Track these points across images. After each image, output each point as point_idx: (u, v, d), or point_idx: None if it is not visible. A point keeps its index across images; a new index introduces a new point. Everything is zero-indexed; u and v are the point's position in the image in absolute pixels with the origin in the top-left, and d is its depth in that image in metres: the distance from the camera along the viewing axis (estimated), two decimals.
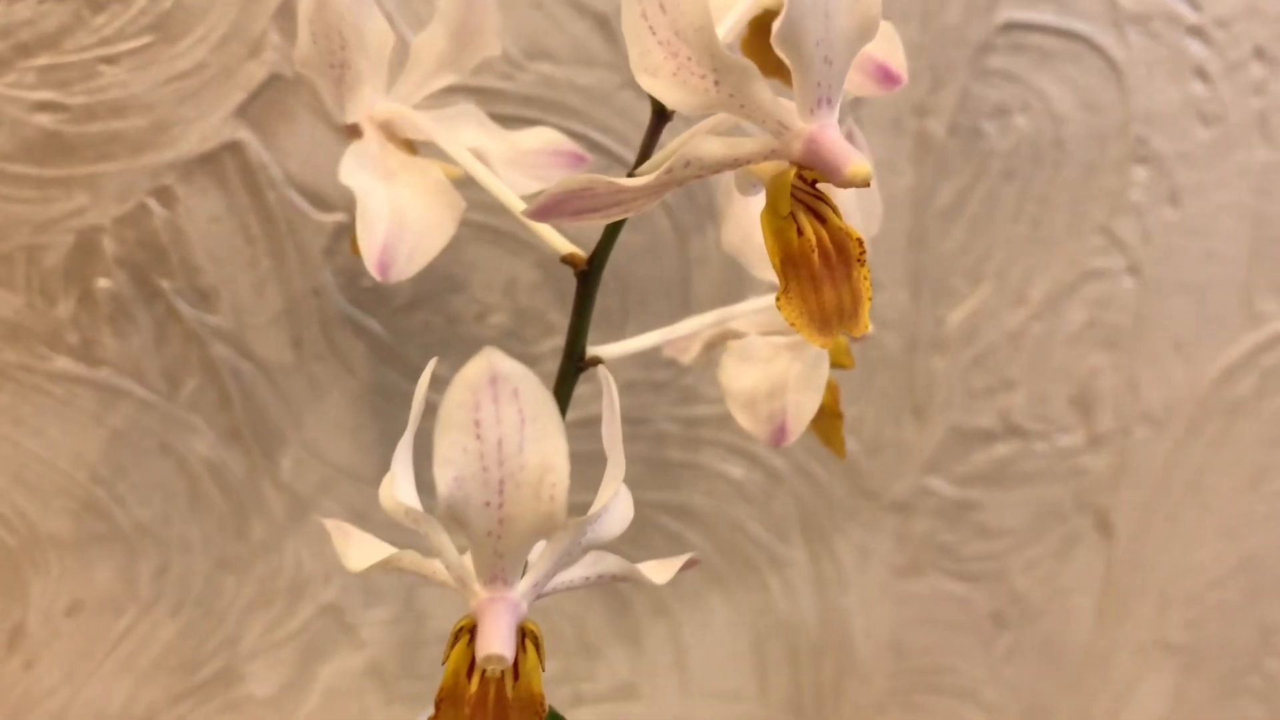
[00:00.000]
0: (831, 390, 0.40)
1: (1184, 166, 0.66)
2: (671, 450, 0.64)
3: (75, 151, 0.48)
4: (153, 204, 0.50)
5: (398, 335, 0.56)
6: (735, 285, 0.60)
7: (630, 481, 0.61)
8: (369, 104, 0.38)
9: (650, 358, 0.61)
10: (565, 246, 0.36)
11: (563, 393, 0.37)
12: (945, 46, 0.58)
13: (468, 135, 0.40)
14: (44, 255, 0.49)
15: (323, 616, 0.61)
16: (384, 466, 0.58)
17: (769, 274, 0.44)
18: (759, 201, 0.38)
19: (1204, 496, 0.78)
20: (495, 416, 0.25)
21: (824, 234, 0.29)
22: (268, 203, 0.51)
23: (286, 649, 0.61)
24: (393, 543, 0.33)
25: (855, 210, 0.38)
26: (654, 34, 0.27)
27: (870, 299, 0.29)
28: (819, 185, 0.30)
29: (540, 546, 0.29)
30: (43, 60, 0.46)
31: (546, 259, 0.57)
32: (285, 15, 0.48)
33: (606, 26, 0.53)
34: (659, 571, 0.32)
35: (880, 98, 0.58)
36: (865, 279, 0.29)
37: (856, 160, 0.27)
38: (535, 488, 0.26)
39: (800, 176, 0.29)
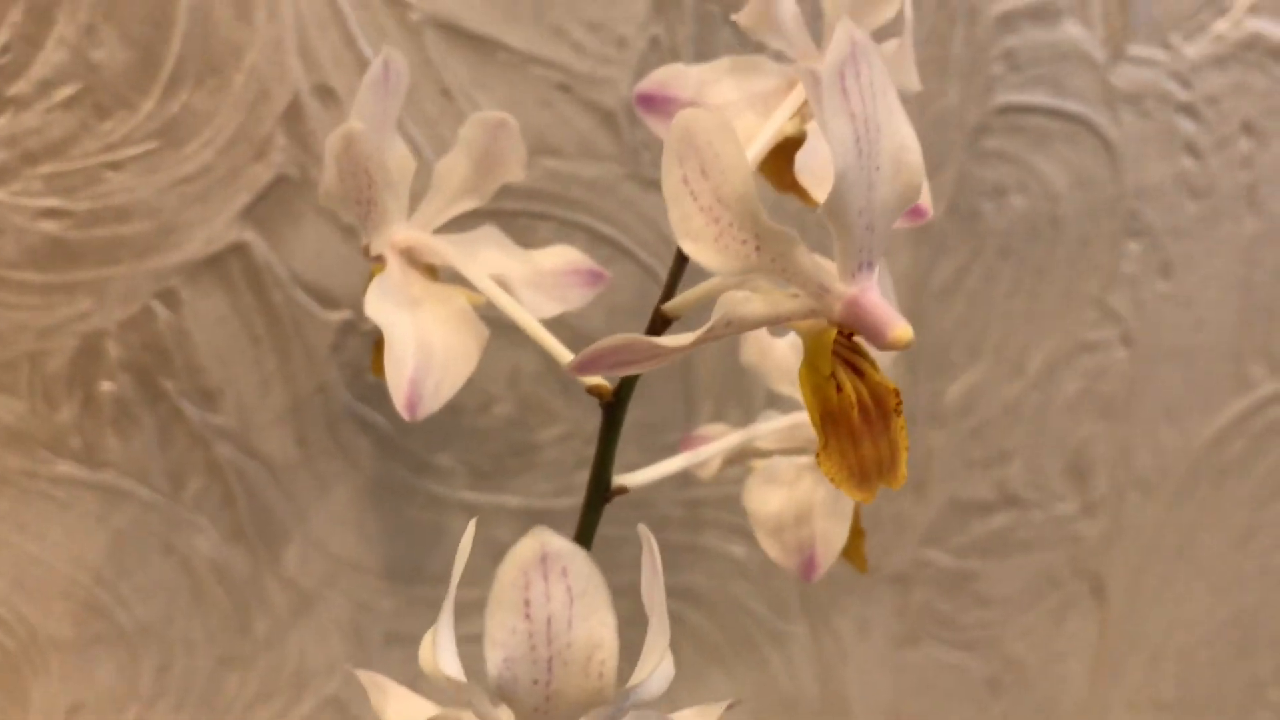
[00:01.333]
0: (854, 508, 0.41)
1: (1175, 239, 0.68)
2: (674, 533, 0.65)
3: (80, 257, 0.48)
4: (157, 307, 0.50)
5: (402, 429, 0.56)
6: (733, 374, 0.61)
7: (629, 563, 0.61)
8: (389, 233, 0.38)
9: (651, 444, 0.62)
10: (591, 379, 0.36)
11: (589, 522, 0.37)
12: (944, 130, 0.60)
13: (489, 258, 0.40)
14: (47, 361, 0.49)
15: (326, 709, 0.61)
16: (388, 558, 0.58)
17: (787, 389, 0.45)
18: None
19: (1195, 556, 0.80)
20: (545, 595, 0.25)
21: (863, 389, 0.30)
22: (273, 302, 0.52)
23: None
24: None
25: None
26: (695, 199, 0.28)
27: (907, 448, 0.30)
28: (855, 338, 0.30)
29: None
30: (48, 167, 0.46)
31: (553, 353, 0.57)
32: (291, 117, 0.49)
33: (611, 121, 0.54)
34: None
35: None
36: (902, 429, 0.30)
37: (900, 325, 0.28)
38: (584, 665, 0.26)
39: (840, 333, 0.29)
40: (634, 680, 0.29)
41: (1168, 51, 0.63)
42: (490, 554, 0.59)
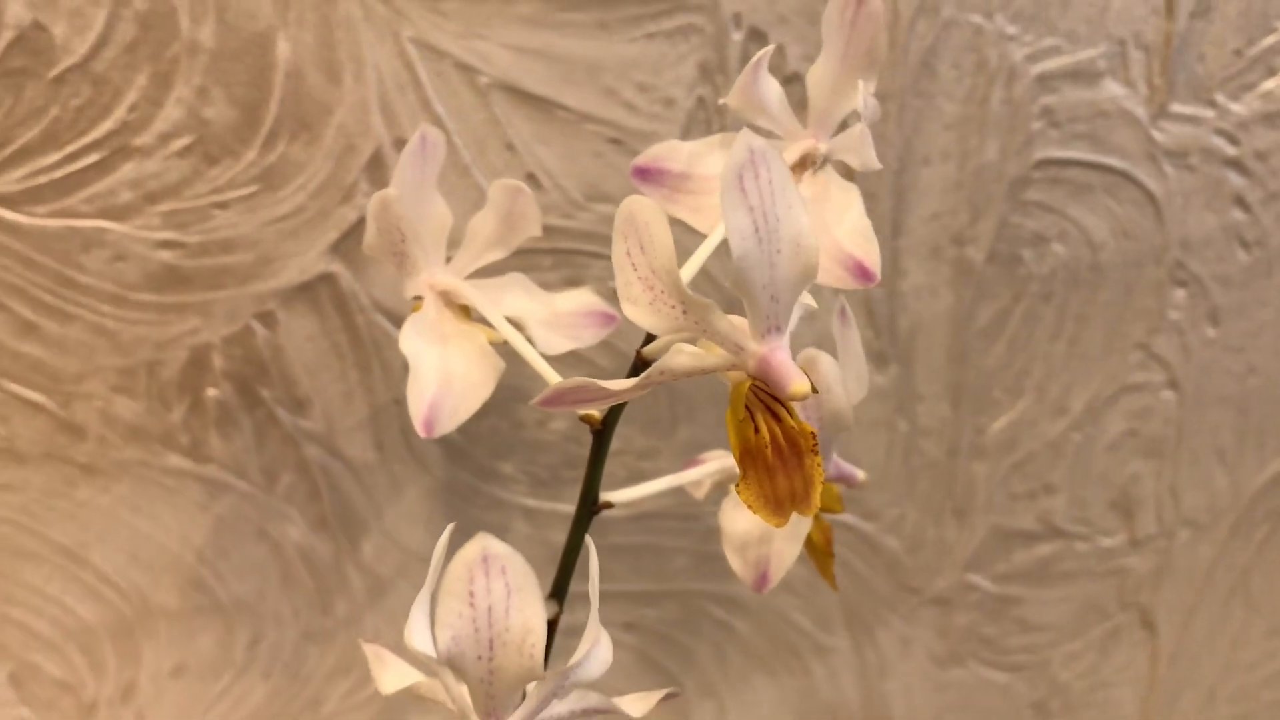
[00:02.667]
0: (824, 531, 0.46)
1: (1223, 288, 0.70)
2: (718, 544, 0.70)
3: (190, 282, 0.56)
4: (257, 326, 0.58)
5: (469, 438, 0.63)
6: None
7: (679, 572, 0.68)
8: (428, 278, 0.45)
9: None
10: (584, 411, 0.42)
11: (578, 532, 0.43)
12: (983, 182, 0.63)
13: (512, 301, 0.47)
14: (162, 369, 0.58)
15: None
16: (453, 550, 0.65)
17: None
18: None
19: (1250, 598, 0.81)
20: (486, 588, 0.32)
21: (778, 431, 0.34)
22: (356, 325, 0.59)
23: (363, 714, 0.69)
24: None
25: (850, 375, 0.44)
26: (635, 270, 0.33)
27: (821, 483, 0.35)
28: None
29: (530, 686, 0.35)
30: (166, 206, 0.55)
31: (602, 375, 0.63)
32: (374, 167, 0.56)
33: None
34: (637, 705, 0.38)
35: (920, 229, 0.64)
36: (817, 466, 0.35)
37: (796, 382, 0.32)
38: (519, 646, 0.32)
39: (757, 383, 0.34)
40: (571, 661, 0.35)
41: (1214, 109, 0.65)
42: (546, 555, 0.66)
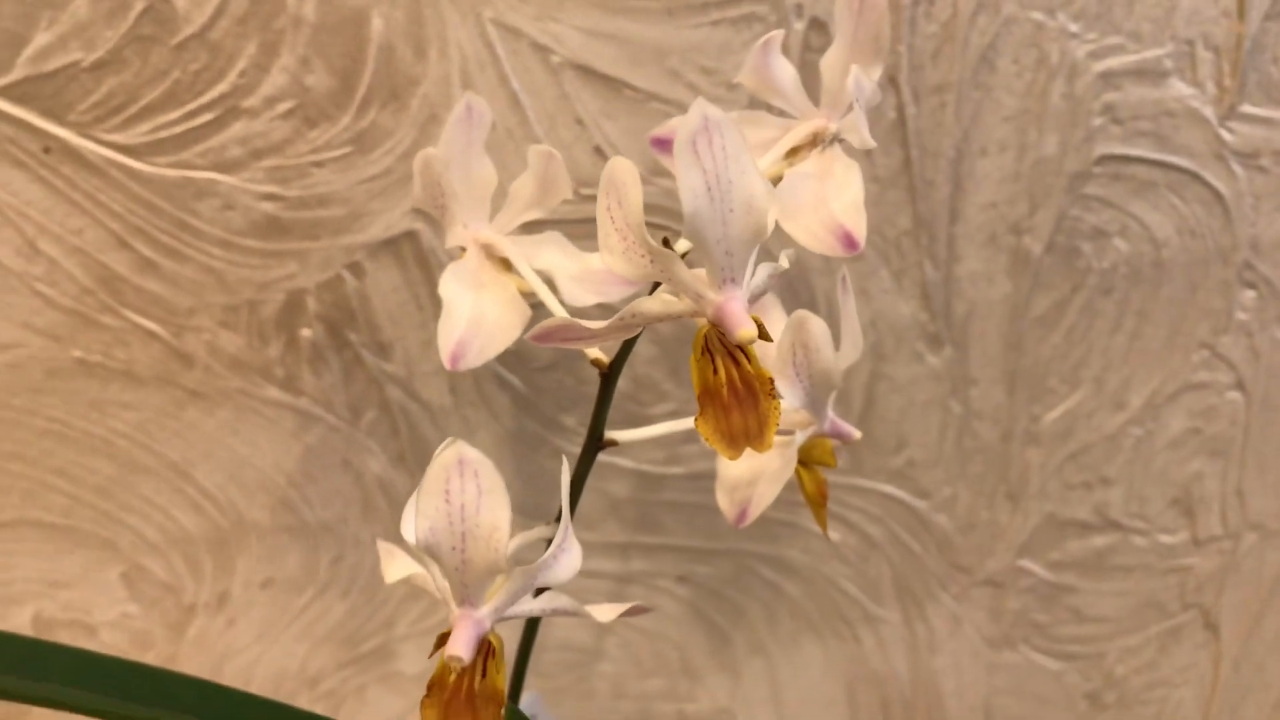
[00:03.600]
0: (818, 483, 0.50)
1: None
2: (771, 508, 0.74)
3: (289, 231, 0.63)
4: (346, 275, 0.64)
5: (535, 390, 0.68)
6: None
7: (730, 532, 0.72)
8: (473, 231, 0.50)
9: None
10: (594, 353, 0.47)
11: (584, 465, 0.48)
12: (1042, 174, 0.66)
13: (546, 256, 0.52)
14: (262, 308, 0.65)
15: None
16: (520, 497, 0.71)
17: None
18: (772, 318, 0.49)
19: None
20: (460, 488, 0.36)
21: (735, 374, 0.38)
22: (435, 279, 0.65)
23: (432, 636, 0.75)
24: None
25: (845, 339, 0.48)
26: (613, 222, 0.38)
27: (777, 424, 0.39)
28: None
29: (501, 580, 0.40)
30: (269, 162, 0.62)
31: (662, 336, 0.68)
32: None
33: None
34: (605, 613, 0.43)
35: (977, 217, 0.66)
36: (775, 409, 0.38)
37: (744, 328, 0.37)
38: (487, 540, 0.37)
39: (716, 329, 0.39)
40: (539, 561, 0.39)
41: None
42: (606, 505, 0.72)
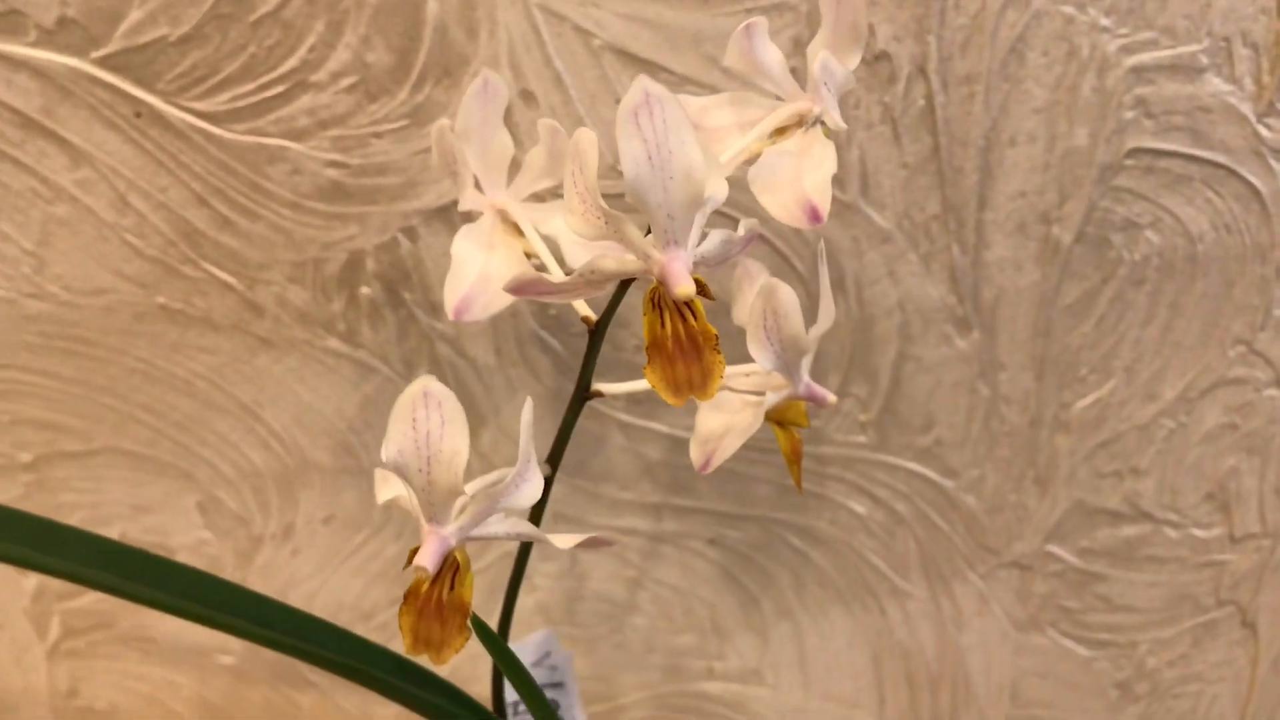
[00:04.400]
0: (793, 442, 0.54)
1: None
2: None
3: (351, 196, 0.69)
4: (402, 238, 0.70)
5: (573, 354, 0.73)
6: (860, 348, 0.73)
7: (760, 500, 0.76)
8: (490, 197, 0.55)
9: None
10: (584, 310, 0.52)
11: (573, 412, 0.52)
12: (1072, 165, 0.67)
13: (554, 222, 0.56)
14: (326, 266, 0.71)
15: (505, 560, 0.81)
16: (558, 454, 0.75)
17: None
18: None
19: None
20: (425, 417, 0.41)
21: (681, 328, 0.42)
22: None
23: (478, 580, 0.81)
24: None
25: (820, 307, 0.52)
26: (575, 186, 0.43)
27: (721, 377, 0.42)
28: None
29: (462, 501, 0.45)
30: (334, 132, 0.68)
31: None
32: (507, 115, 0.67)
33: None
34: (564, 540, 0.47)
35: (1006, 205, 0.68)
36: (718, 363, 0.42)
37: (682, 285, 0.41)
38: (449, 465, 0.41)
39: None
40: (499, 484, 0.44)
41: None
42: (642, 467, 0.76)
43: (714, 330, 0.43)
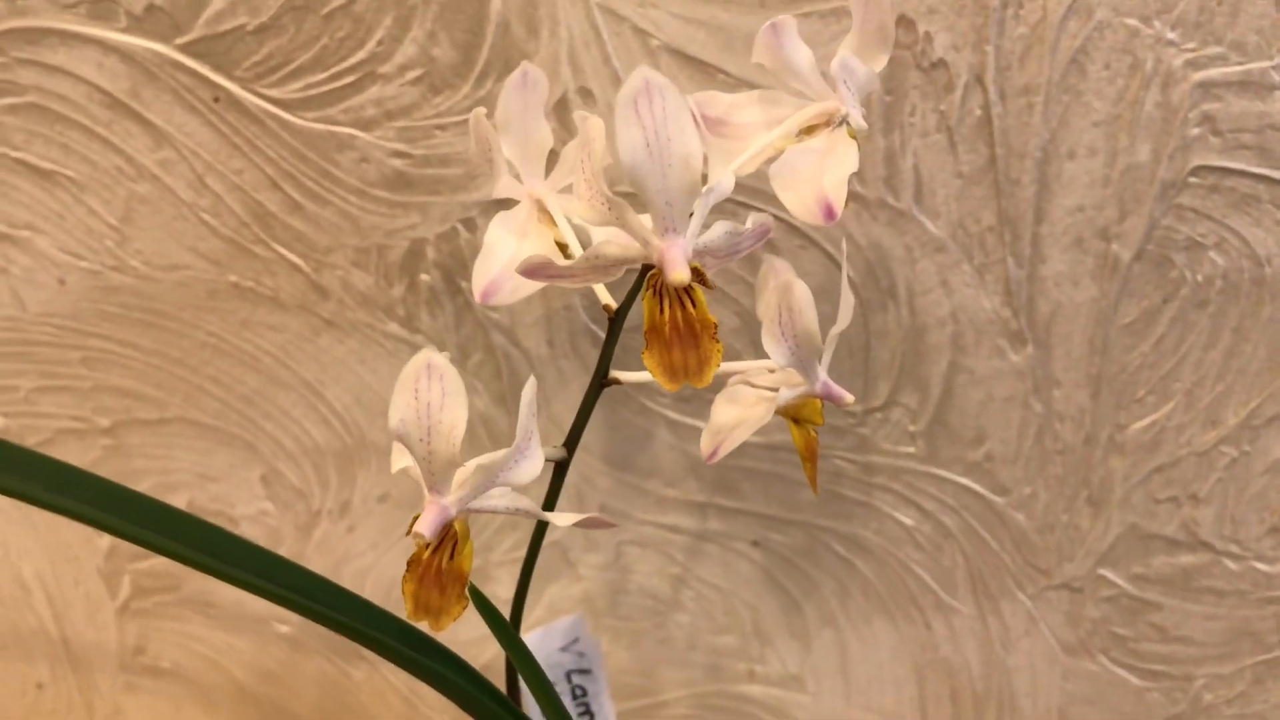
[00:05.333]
0: (807, 440, 0.54)
1: None
2: (846, 487, 0.78)
3: (414, 186, 0.72)
4: (460, 229, 0.73)
5: (624, 349, 0.75)
6: (911, 357, 0.73)
7: (805, 505, 0.77)
8: (528, 187, 0.57)
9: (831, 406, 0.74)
10: (606, 298, 0.53)
11: (590, 400, 0.52)
12: (1133, 182, 0.67)
13: None
14: (388, 252, 0.74)
15: (551, 550, 0.83)
16: (606, 447, 0.78)
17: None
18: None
19: None
20: (428, 388, 0.42)
21: (679, 315, 0.43)
22: None
23: (516, 567, 0.83)
24: None
25: (841, 305, 0.53)
26: (583, 173, 0.44)
27: (718, 365, 0.43)
28: (693, 282, 0.44)
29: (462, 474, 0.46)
30: (400, 123, 0.70)
31: (745, 310, 0.73)
32: (560, 109, 0.69)
33: None
34: (563, 518, 0.48)
35: (1064, 219, 0.68)
36: (716, 351, 0.43)
37: (678, 272, 0.42)
38: (448, 435, 0.42)
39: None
40: (496, 460, 0.45)
41: None
42: (687, 463, 0.78)
43: (713, 319, 0.44)
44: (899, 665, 0.84)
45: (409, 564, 0.47)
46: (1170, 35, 0.63)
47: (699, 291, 0.44)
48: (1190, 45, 0.64)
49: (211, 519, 0.85)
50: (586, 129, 0.44)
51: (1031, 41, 0.64)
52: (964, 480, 0.77)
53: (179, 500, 0.84)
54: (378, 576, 0.85)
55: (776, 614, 0.84)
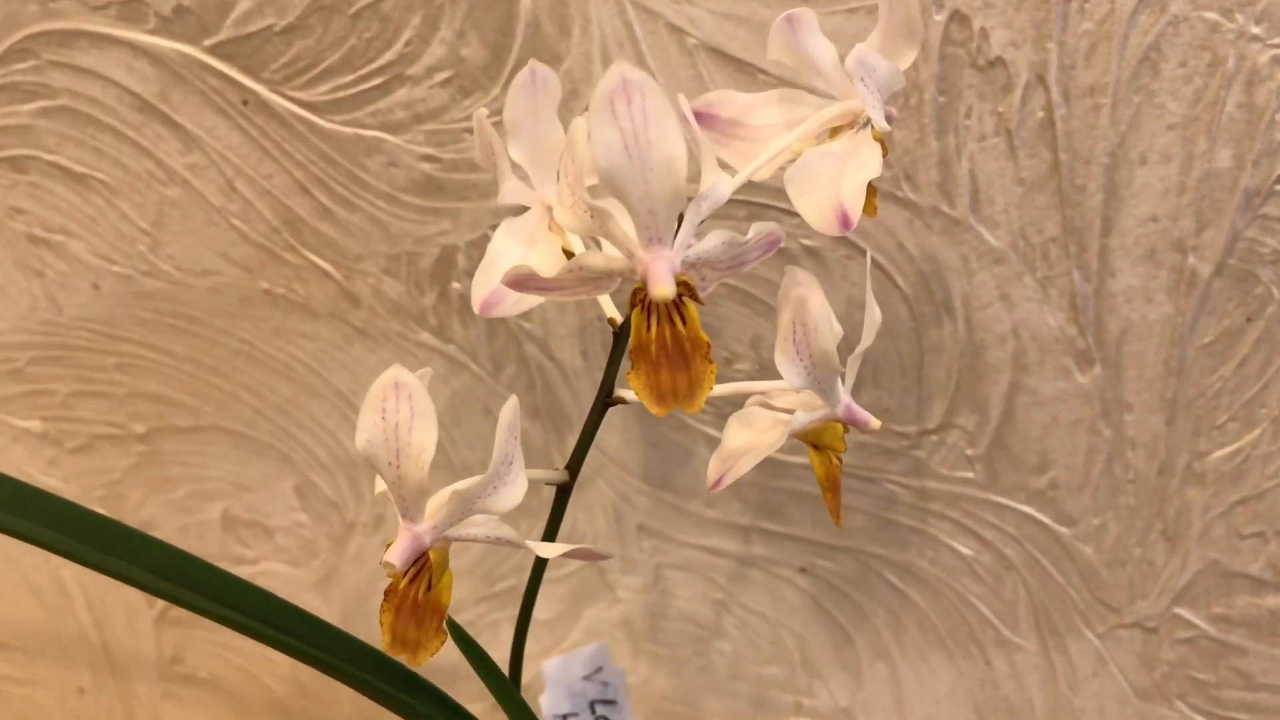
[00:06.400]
0: (828, 468, 0.50)
1: None
2: (899, 513, 0.74)
3: (444, 191, 0.69)
4: (492, 236, 0.70)
5: None
6: (969, 376, 0.68)
7: (856, 531, 0.73)
8: (540, 193, 0.54)
9: (883, 428, 0.70)
10: (611, 311, 0.50)
11: (594, 418, 0.50)
12: (1212, 190, 0.62)
13: None
14: (419, 260, 0.72)
15: (589, 570, 0.80)
16: (645, 464, 0.75)
17: None
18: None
19: None
20: (395, 409, 0.40)
21: (667, 333, 0.39)
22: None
23: (561, 587, 0.81)
24: None
25: (866, 326, 0.49)
26: (566, 179, 0.41)
27: (711, 387, 0.39)
28: (683, 297, 0.41)
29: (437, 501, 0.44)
30: (429, 126, 0.68)
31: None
32: None
33: None
34: (547, 550, 0.45)
35: (1135, 230, 0.63)
36: (709, 373, 0.39)
37: (661, 286, 0.38)
38: (417, 458, 0.40)
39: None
40: (477, 486, 0.42)
41: None
42: (731, 486, 0.73)
43: (705, 338, 0.40)
44: (957, 702, 0.80)
45: (385, 594, 0.45)
46: (1254, 30, 0.58)
47: (690, 307, 0.40)
48: (1276, 40, 0.58)
49: (247, 529, 0.84)
50: (572, 131, 0.41)
51: (1098, 38, 0.59)
52: (1026, 509, 0.72)
53: (215, 509, 0.83)
54: None
55: (826, 645, 0.80)
